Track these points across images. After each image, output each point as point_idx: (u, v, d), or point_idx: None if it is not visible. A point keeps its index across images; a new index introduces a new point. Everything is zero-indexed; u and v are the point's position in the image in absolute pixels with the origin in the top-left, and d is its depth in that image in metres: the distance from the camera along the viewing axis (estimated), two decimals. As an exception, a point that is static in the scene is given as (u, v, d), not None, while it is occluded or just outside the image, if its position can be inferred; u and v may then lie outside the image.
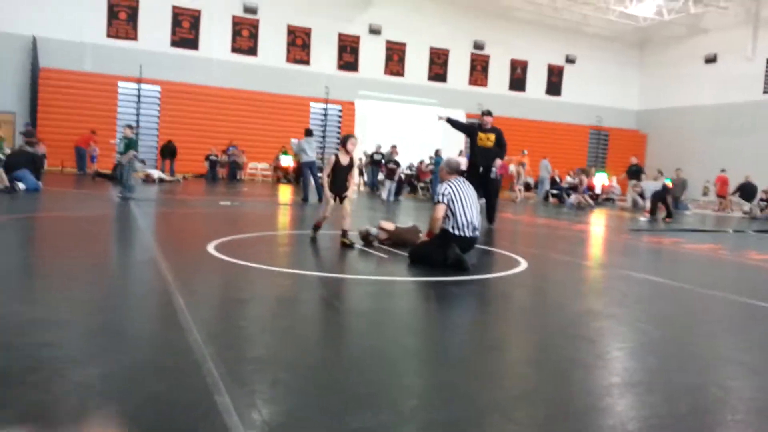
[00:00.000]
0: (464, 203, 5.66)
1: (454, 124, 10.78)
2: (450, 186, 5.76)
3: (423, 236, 6.21)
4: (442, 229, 5.68)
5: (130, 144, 11.87)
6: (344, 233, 6.51)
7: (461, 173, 6.00)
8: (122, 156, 11.78)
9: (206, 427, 2.03)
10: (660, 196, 14.99)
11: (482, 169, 9.93)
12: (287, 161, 21.67)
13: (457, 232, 5.60)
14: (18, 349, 2.72)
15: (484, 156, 10.00)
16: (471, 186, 5.97)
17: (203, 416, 2.11)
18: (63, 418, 2.05)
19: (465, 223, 5.62)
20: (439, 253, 5.48)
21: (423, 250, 5.76)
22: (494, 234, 9.06)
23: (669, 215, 14.74)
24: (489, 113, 10.24)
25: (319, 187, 13.67)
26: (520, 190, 19.90)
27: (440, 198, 5.71)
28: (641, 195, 16.60)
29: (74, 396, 2.24)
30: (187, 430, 2.01)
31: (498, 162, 10.00)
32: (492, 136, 9.98)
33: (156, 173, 18.58)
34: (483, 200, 9.58)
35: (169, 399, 2.28)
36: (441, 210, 5.65)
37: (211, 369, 2.58)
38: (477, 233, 5.79)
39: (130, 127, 12.32)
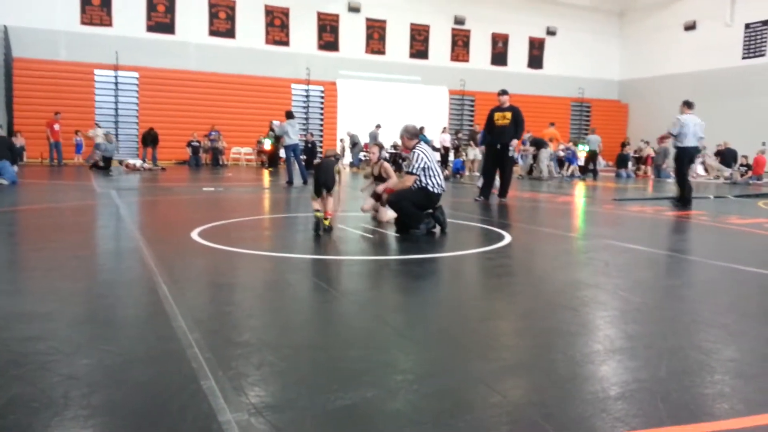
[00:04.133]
0: (435, 166, 6.45)
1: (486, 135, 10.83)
2: (422, 154, 6.39)
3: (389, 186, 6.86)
4: (424, 188, 6.36)
5: None
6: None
7: (419, 136, 6.76)
8: None
9: (193, 411, 2.04)
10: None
11: (499, 146, 10.28)
12: (269, 145, 21.50)
13: (436, 191, 6.38)
14: (1, 343, 2.71)
15: (500, 134, 10.24)
16: (431, 150, 6.71)
17: (190, 401, 2.13)
18: (49, 410, 2.05)
19: (439, 182, 6.42)
20: (423, 217, 6.26)
21: (409, 213, 6.27)
22: (479, 209, 9.10)
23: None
24: (505, 92, 10.32)
25: (303, 170, 13.61)
26: (549, 166, 19.53)
27: (415, 170, 6.36)
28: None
29: (60, 387, 2.23)
30: (175, 415, 2.03)
31: (514, 142, 10.35)
32: (508, 114, 10.17)
33: (137, 162, 18.39)
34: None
35: (155, 386, 2.29)
36: (411, 180, 6.38)
37: (196, 354, 2.59)
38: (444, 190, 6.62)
39: None
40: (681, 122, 9.84)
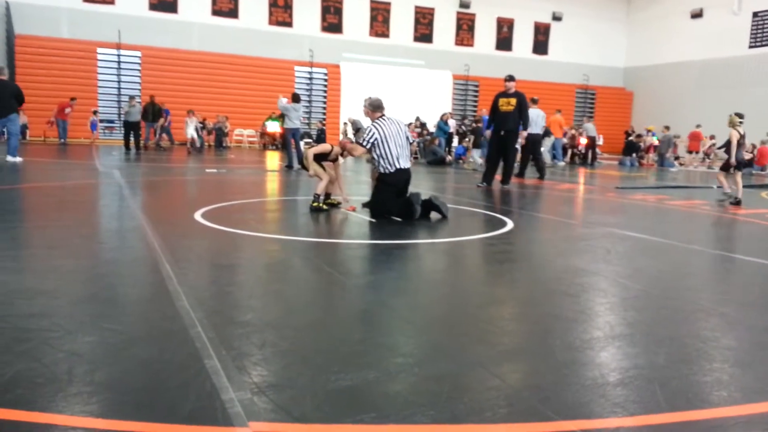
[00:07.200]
0: (390, 143, 6.28)
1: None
2: (377, 128, 6.30)
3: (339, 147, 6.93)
4: (381, 178, 6.35)
5: None
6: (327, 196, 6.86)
7: (383, 110, 6.62)
8: None
9: (196, 389, 2.07)
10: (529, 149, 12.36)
11: (503, 132, 10.27)
12: (273, 127, 21.42)
13: (388, 170, 6.31)
14: (5, 320, 2.73)
15: (504, 120, 10.24)
16: (398, 123, 6.46)
17: (193, 379, 2.15)
18: (53, 385, 2.07)
19: (392, 161, 6.30)
20: (397, 204, 6.21)
21: (382, 204, 6.31)
22: (481, 195, 9.10)
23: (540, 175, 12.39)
24: (512, 78, 10.33)
25: (300, 153, 13.53)
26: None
27: (364, 143, 6.36)
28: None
29: (64, 364, 2.26)
30: (178, 392, 2.05)
31: (524, 134, 10.60)
32: (513, 101, 10.21)
33: (191, 132, 18.26)
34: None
35: (158, 364, 2.31)
36: (359, 151, 6.64)
37: (200, 333, 2.61)
38: (405, 166, 6.40)
39: None
40: (530, 115, 11.50)
